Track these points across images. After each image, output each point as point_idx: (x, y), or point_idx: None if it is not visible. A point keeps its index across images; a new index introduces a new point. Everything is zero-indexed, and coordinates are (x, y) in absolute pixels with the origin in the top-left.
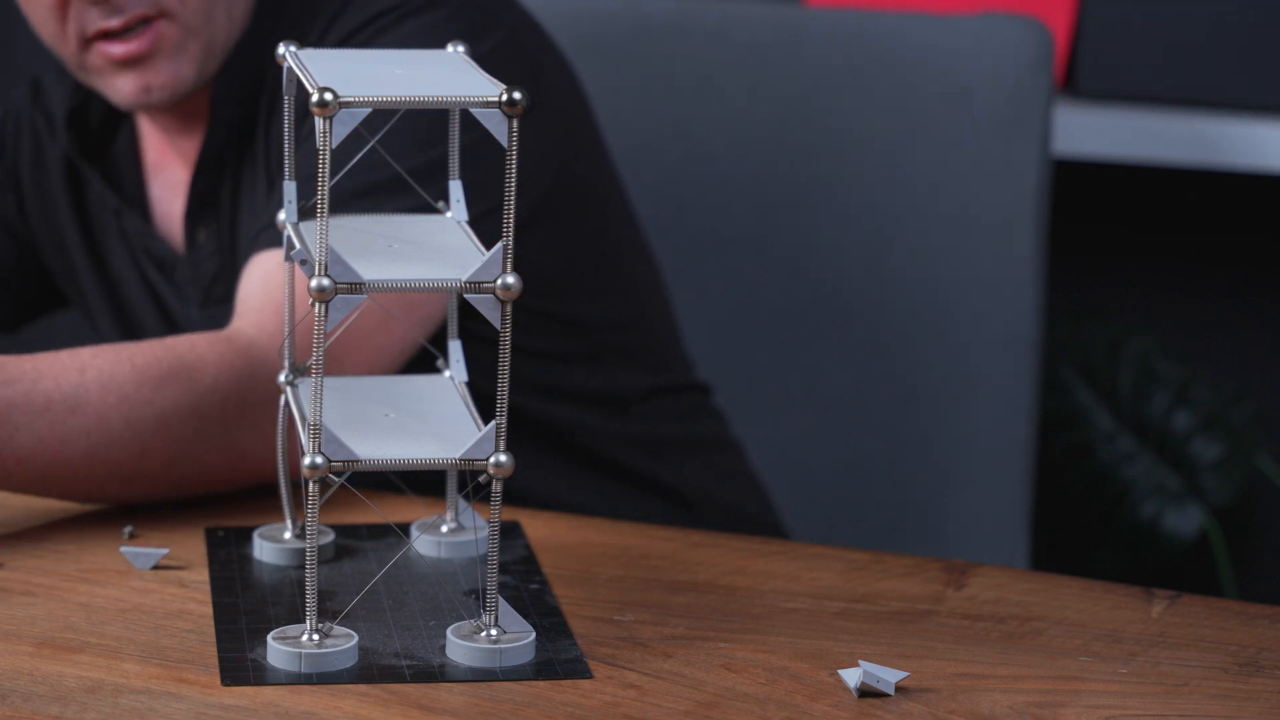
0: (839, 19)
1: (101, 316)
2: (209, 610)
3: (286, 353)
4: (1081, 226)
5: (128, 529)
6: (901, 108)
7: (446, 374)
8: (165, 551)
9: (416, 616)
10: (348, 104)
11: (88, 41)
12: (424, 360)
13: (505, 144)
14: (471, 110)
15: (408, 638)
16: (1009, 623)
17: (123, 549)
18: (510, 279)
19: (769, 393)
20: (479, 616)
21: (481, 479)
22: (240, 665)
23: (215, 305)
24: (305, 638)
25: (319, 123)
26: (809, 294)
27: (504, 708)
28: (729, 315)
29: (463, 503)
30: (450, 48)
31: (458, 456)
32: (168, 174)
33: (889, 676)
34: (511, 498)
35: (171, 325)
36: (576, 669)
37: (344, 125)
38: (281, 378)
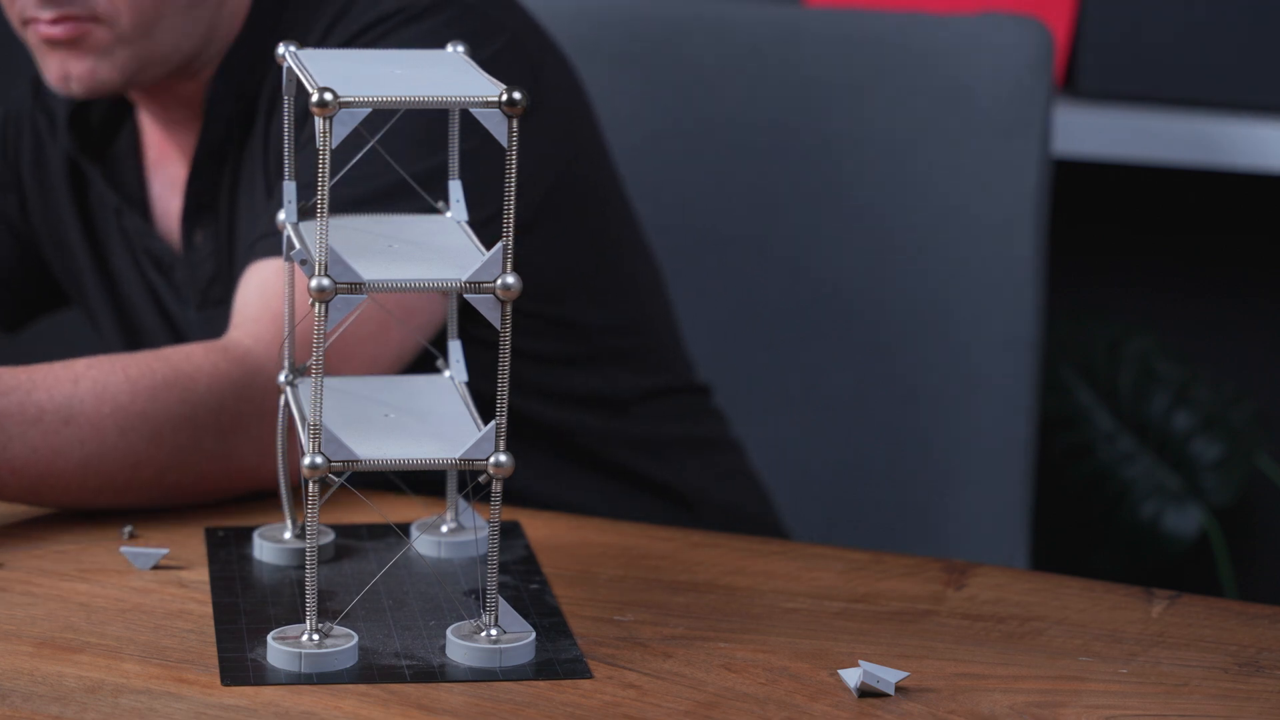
0: (839, 19)
1: (103, 316)
2: (209, 610)
3: (286, 353)
4: (1081, 226)
5: (127, 529)
6: (901, 108)
7: (446, 374)
8: (165, 551)
9: (416, 616)
10: (348, 104)
11: (25, 21)
12: (424, 360)
13: (505, 144)
14: (471, 110)
15: (408, 638)
16: (1009, 623)
17: (123, 549)
18: (510, 279)
19: (769, 393)
20: (479, 616)
21: (481, 479)
22: (240, 665)
23: (212, 307)
24: (305, 638)
25: (319, 123)
26: (809, 294)
27: (504, 708)
28: (729, 315)
29: (463, 503)
30: (450, 48)
31: (458, 456)
32: (167, 170)
33: (889, 676)
34: (511, 498)
35: (171, 326)
36: (576, 669)
37: (344, 125)
38: (281, 378)
